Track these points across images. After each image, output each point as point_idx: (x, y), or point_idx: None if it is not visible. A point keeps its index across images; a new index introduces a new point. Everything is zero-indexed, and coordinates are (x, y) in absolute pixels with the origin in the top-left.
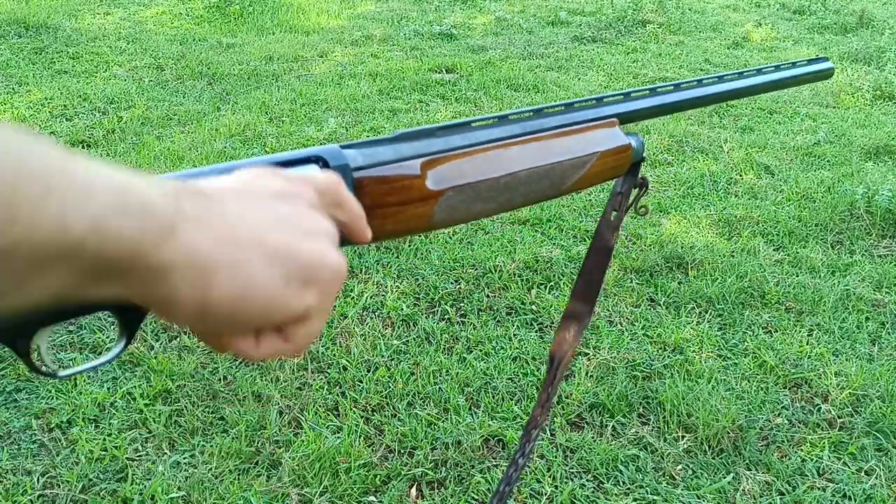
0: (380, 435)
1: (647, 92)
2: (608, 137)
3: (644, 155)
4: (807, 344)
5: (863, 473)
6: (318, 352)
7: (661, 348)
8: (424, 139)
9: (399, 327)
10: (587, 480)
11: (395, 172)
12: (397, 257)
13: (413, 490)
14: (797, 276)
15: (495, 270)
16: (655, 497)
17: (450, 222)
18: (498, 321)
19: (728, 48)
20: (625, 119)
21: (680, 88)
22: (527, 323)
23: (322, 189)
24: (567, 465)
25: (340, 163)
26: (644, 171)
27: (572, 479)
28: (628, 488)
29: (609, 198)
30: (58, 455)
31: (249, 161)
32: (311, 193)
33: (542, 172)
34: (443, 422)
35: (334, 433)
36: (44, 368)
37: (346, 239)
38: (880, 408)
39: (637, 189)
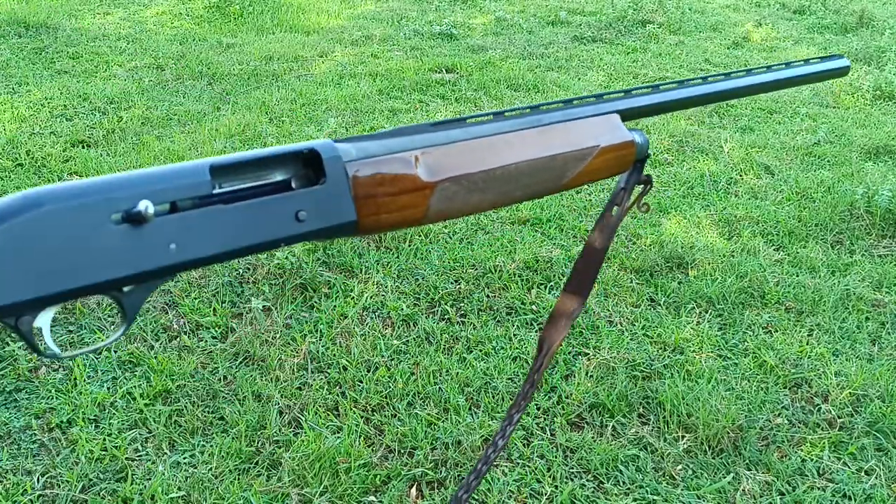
0: (380, 435)
1: (650, 89)
2: (609, 132)
3: (649, 152)
4: (807, 344)
5: (863, 473)
6: (318, 352)
7: (661, 348)
8: (418, 133)
9: (399, 327)
10: (587, 480)
11: (388, 164)
12: (397, 257)
13: (413, 490)
14: (797, 276)
15: (495, 270)
16: (655, 497)
17: (448, 214)
18: (498, 321)
19: (728, 48)
20: (626, 116)
21: (684, 85)
22: (527, 323)
23: None
24: (567, 465)
25: (333, 155)
26: (646, 169)
27: (572, 479)
28: (628, 488)
29: (611, 194)
30: (58, 455)
31: (240, 155)
32: None
33: (540, 164)
34: (443, 422)
35: (334, 433)
36: (46, 350)
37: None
38: (880, 408)
39: (641, 186)
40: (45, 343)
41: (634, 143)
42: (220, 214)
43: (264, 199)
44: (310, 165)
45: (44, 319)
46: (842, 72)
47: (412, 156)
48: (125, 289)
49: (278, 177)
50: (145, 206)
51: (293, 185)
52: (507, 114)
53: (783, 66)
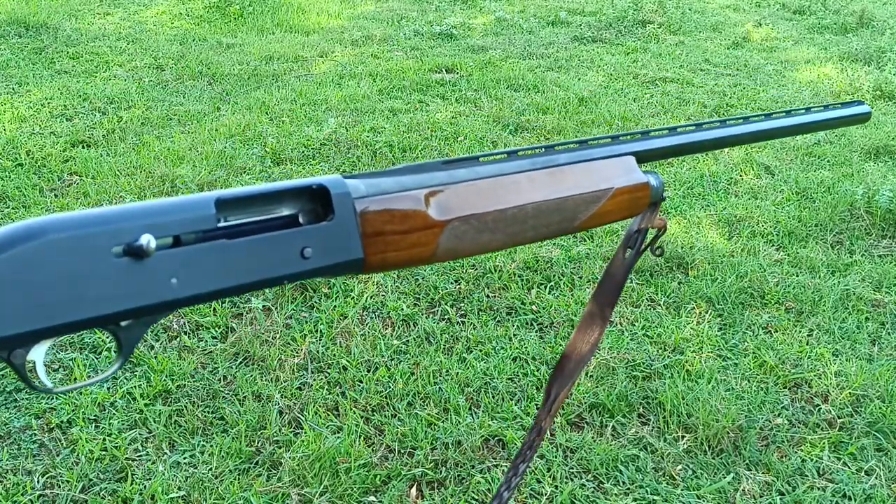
0: (380, 435)
1: (667, 131)
2: (624, 174)
3: (664, 195)
4: (807, 344)
5: (863, 473)
6: (318, 352)
7: (661, 348)
8: (429, 172)
9: (399, 327)
10: (587, 480)
11: (398, 201)
12: None
13: (413, 490)
14: (797, 276)
15: (495, 270)
16: (655, 497)
17: (457, 253)
18: (498, 321)
19: (728, 48)
20: (642, 158)
21: (701, 128)
22: (527, 323)
23: None
24: (567, 465)
25: (342, 191)
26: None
27: (572, 479)
28: (628, 488)
29: (624, 235)
30: (58, 455)
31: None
32: None
33: (553, 206)
34: (443, 422)
35: (334, 433)
36: (38, 384)
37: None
38: (880, 408)
39: (656, 230)
40: (37, 377)
41: (649, 186)
42: (224, 249)
43: (270, 234)
44: (318, 201)
45: (37, 353)
46: (863, 118)
47: (422, 194)
48: (123, 323)
49: (285, 211)
50: (147, 240)
51: (300, 220)
52: (520, 153)
53: (803, 111)
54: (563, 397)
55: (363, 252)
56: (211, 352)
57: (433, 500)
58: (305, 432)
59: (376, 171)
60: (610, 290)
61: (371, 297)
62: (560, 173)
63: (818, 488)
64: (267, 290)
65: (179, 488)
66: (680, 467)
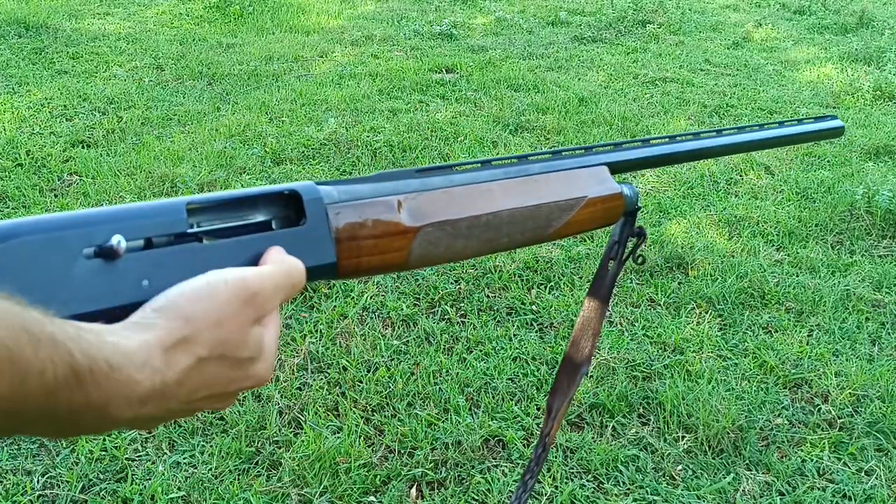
0: (380, 435)
1: (640, 143)
2: (597, 183)
3: (639, 205)
4: (807, 344)
5: (863, 473)
6: (318, 352)
7: (661, 348)
8: (402, 179)
9: (399, 327)
10: (587, 480)
11: (370, 207)
12: None
13: (413, 490)
14: (797, 276)
15: (495, 270)
16: (655, 497)
17: (431, 259)
18: (498, 321)
19: (728, 48)
20: (615, 168)
21: (674, 140)
22: (527, 323)
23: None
24: (567, 465)
25: (314, 197)
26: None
27: (572, 479)
28: (628, 488)
29: (606, 248)
30: (58, 455)
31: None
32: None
33: (527, 213)
34: (443, 422)
35: (334, 433)
36: None
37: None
38: (880, 408)
39: (635, 239)
40: None
41: (623, 196)
42: (195, 252)
43: (241, 238)
44: (291, 206)
45: None
46: (836, 132)
47: (396, 200)
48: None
49: (259, 217)
50: (117, 240)
51: (273, 226)
52: (494, 163)
53: (776, 124)
54: (562, 413)
55: (336, 257)
56: None
57: (433, 500)
58: (305, 432)
59: (350, 178)
60: (599, 300)
61: (371, 298)
62: (533, 182)
63: (818, 488)
64: None
65: (179, 488)
66: (680, 467)
